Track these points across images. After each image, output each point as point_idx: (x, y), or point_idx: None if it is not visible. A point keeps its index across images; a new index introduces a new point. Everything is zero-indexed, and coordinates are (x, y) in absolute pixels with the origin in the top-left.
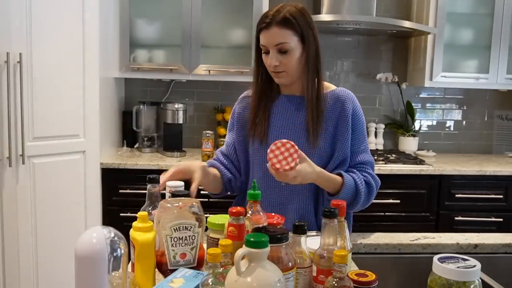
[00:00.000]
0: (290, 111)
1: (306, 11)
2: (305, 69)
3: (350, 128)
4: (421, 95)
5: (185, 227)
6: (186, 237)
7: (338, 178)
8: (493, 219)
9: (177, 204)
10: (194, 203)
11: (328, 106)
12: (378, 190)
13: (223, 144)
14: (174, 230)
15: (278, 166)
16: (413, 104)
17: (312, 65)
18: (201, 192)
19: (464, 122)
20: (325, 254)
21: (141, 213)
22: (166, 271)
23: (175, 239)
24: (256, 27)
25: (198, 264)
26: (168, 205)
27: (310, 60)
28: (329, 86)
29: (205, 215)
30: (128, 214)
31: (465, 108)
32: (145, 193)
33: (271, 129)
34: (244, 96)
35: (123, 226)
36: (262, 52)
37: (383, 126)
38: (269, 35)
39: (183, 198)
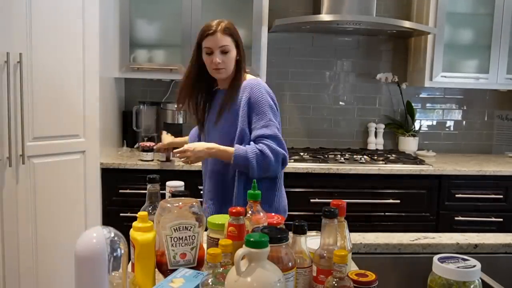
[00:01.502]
0: (221, 101)
1: (234, 26)
2: (237, 67)
3: (245, 111)
4: (421, 95)
5: (185, 227)
6: (186, 237)
7: (231, 149)
8: (493, 219)
9: (177, 204)
10: (194, 203)
11: (239, 94)
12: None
13: None
14: (174, 230)
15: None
16: (413, 104)
17: (240, 63)
18: (201, 192)
19: (464, 122)
20: (325, 254)
21: (141, 213)
22: (166, 271)
23: (175, 239)
24: (200, 35)
25: (198, 264)
26: (168, 205)
27: (241, 61)
28: (246, 78)
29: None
30: (128, 214)
31: (465, 108)
32: (145, 193)
33: (209, 116)
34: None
35: (123, 226)
36: (205, 53)
37: (383, 126)
38: (215, 39)
39: (183, 198)
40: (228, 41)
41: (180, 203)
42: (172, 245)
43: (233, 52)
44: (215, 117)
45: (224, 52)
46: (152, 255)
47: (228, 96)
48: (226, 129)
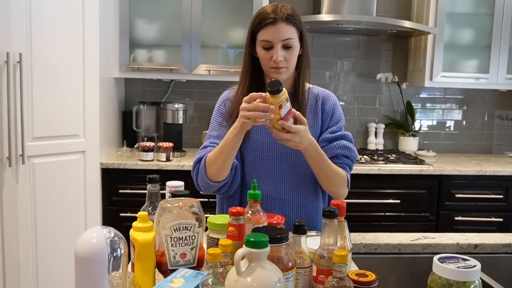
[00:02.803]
0: None
1: (297, 11)
2: (300, 66)
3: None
4: (421, 95)
5: (185, 227)
6: (186, 237)
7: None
8: (493, 219)
9: (177, 204)
10: (194, 203)
11: (309, 103)
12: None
13: None
14: (174, 230)
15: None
16: (413, 104)
17: (306, 63)
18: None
19: (464, 122)
20: (325, 254)
21: (141, 213)
22: (166, 271)
23: (175, 239)
24: (255, 23)
25: (198, 264)
26: (168, 205)
27: (305, 58)
28: (306, 84)
29: (205, 215)
30: (128, 214)
31: (465, 108)
32: (145, 193)
33: (257, 127)
34: (232, 89)
35: (123, 226)
36: (261, 48)
37: (383, 126)
38: (276, 30)
39: (183, 198)
40: (293, 33)
41: (180, 203)
42: (172, 245)
43: (297, 47)
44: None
45: (287, 46)
46: (152, 255)
47: (301, 106)
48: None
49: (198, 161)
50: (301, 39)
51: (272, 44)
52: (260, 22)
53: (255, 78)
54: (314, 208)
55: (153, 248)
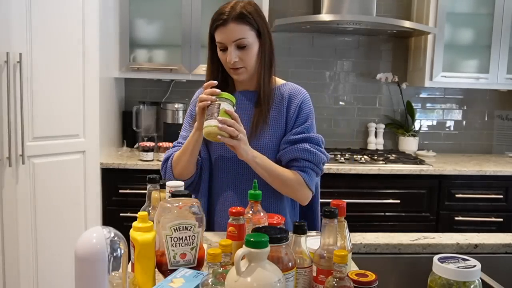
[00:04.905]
0: (247, 107)
1: (258, 7)
2: (261, 64)
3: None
4: (421, 95)
5: (185, 227)
6: (186, 237)
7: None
8: (493, 219)
9: (177, 204)
10: (194, 203)
11: (276, 101)
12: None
13: None
14: (174, 230)
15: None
16: (413, 104)
17: (268, 60)
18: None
19: (464, 122)
20: (325, 254)
21: (141, 213)
22: (166, 271)
23: (175, 239)
24: (210, 25)
25: (198, 264)
26: (168, 205)
27: (266, 55)
28: (278, 81)
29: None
30: (128, 214)
31: (465, 108)
32: (145, 193)
33: None
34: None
35: (123, 226)
36: (218, 49)
37: (383, 126)
38: (227, 31)
39: (183, 198)
40: (244, 32)
41: (180, 203)
42: (172, 245)
43: (254, 46)
44: (250, 129)
45: (241, 46)
46: (152, 255)
47: (267, 105)
48: (264, 141)
49: (166, 160)
50: (259, 36)
51: (225, 45)
52: (213, 23)
53: (222, 75)
54: (277, 210)
55: (153, 248)
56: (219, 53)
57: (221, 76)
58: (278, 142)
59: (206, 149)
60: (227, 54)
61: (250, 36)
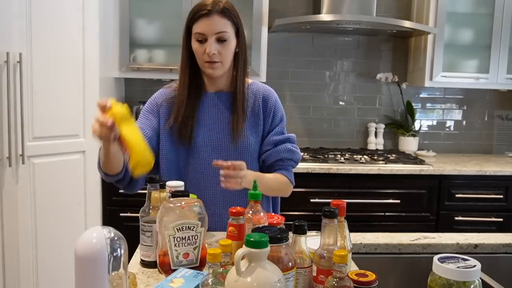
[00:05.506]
0: (219, 109)
1: (235, 7)
2: (238, 63)
3: (271, 123)
4: (421, 95)
5: (188, 227)
6: (189, 237)
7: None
8: (493, 219)
9: (179, 204)
10: (196, 203)
11: (250, 101)
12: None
13: None
14: (177, 230)
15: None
16: (413, 104)
17: (243, 60)
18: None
19: (464, 122)
20: (325, 254)
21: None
22: (168, 271)
23: (178, 239)
24: (190, 16)
25: (201, 264)
26: (171, 205)
27: (242, 54)
28: (246, 80)
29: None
30: (128, 214)
31: (465, 108)
32: (145, 193)
33: (200, 128)
34: (168, 88)
35: (123, 226)
36: (195, 41)
37: (383, 126)
38: (210, 22)
39: (185, 198)
40: (227, 27)
41: (183, 203)
42: (175, 245)
43: (232, 42)
44: (235, 134)
45: (222, 40)
46: (131, 120)
47: (242, 107)
48: (245, 144)
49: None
50: (238, 35)
51: (205, 36)
52: (195, 14)
53: (194, 74)
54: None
55: (129, 116)
56: (196, 45)
57: (193, 75)
58: (259, 143)
59: (176, 153)
60: (206, 45)
61: (230, 32)
